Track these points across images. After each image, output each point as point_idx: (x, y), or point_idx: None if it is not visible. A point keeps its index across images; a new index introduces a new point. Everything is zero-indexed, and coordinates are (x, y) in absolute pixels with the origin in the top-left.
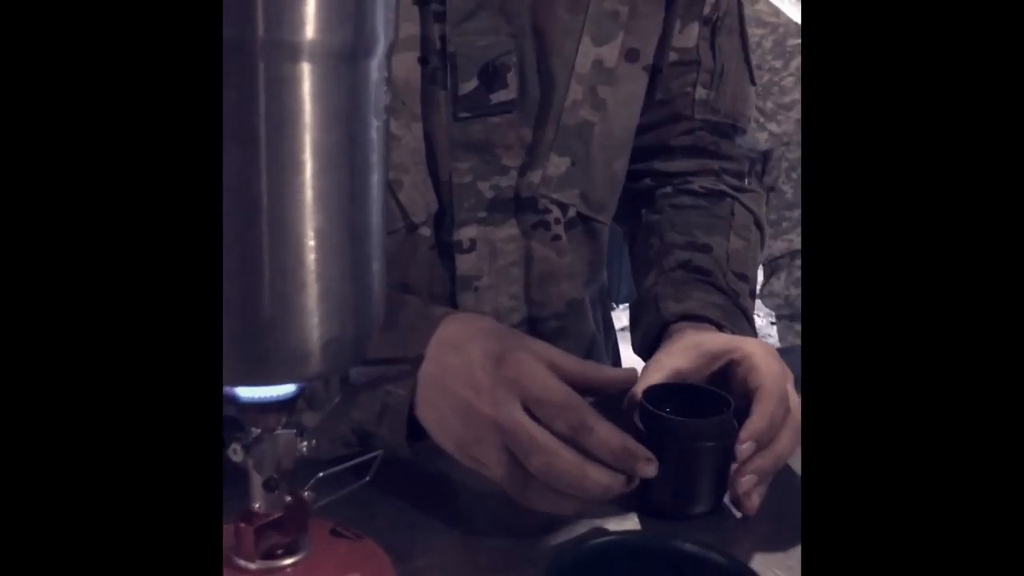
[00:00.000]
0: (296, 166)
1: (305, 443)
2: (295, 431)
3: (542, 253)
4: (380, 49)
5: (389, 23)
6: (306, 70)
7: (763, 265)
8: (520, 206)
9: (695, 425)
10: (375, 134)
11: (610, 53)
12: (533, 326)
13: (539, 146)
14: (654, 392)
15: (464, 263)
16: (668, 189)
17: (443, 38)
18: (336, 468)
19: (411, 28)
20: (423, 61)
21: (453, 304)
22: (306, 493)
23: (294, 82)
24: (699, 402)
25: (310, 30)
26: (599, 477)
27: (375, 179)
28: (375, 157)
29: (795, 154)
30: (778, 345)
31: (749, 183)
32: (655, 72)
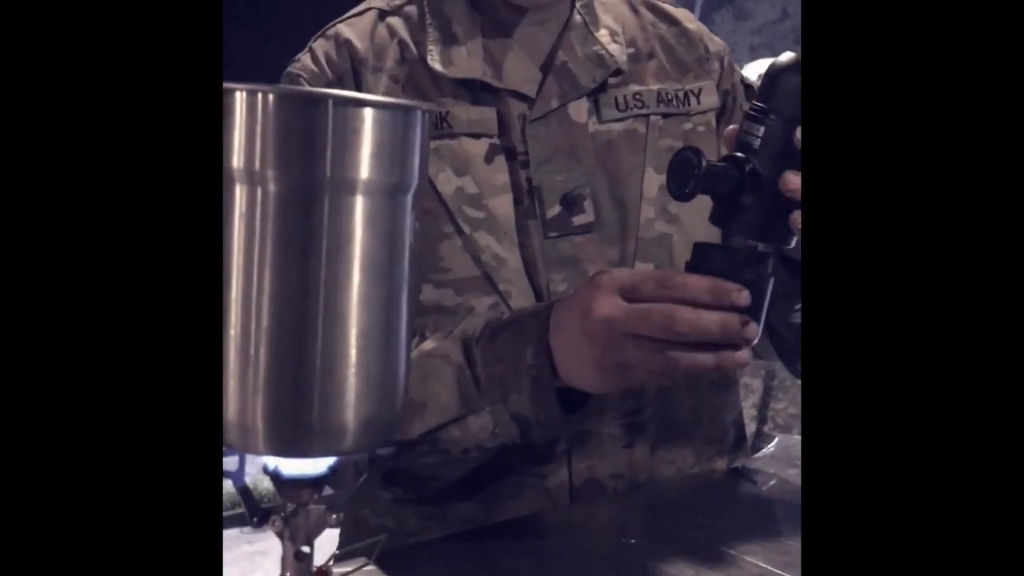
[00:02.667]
0: (348, 277)
1: (334, 516)
2: (325, 507)
3: None
4: (414, 185)
5: (421, 167)
6: (360, 201)
7: None
8: None
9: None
10: (408, 251)
11: None
12: (636, 401)
13: (625, 258)
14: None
15: None
16: None
17: (529, 179)
18: (348, 547)
19: (503, 177)
20: (517, 202)
21: None
22: (329, 564)
23: (351, 211)
24: None
25: (365, 171)
26: (712, 316)
27: (407, 286)
28: (407, 268)
29: None
30: None
31: None
32: None
